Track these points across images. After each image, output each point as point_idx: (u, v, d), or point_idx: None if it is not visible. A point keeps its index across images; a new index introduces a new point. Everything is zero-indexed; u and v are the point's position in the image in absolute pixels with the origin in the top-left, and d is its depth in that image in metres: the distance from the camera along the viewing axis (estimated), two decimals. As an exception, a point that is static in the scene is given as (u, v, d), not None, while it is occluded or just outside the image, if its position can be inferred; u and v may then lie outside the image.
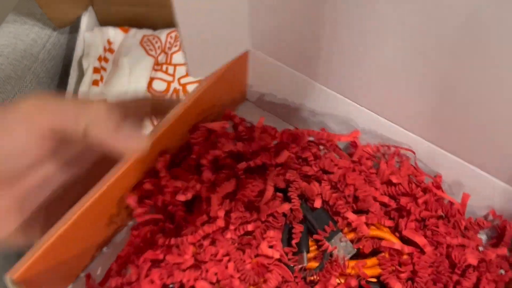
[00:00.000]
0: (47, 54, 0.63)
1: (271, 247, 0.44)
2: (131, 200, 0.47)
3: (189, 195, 0.46)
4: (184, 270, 0.43)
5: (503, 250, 0.46)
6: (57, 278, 0.46)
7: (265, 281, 0.42)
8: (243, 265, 0.43)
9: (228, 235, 0.44)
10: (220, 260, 0.43)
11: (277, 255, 0.43)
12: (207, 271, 0.43)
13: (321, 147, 0.50)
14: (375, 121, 0.50)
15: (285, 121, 0.59)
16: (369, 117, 0.50)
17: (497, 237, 0.50)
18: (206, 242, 0.44)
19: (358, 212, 0.48)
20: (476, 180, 0.49)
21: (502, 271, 0.46)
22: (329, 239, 0.45)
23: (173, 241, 0.44)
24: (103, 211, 0.46)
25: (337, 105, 0.51)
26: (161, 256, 0.44)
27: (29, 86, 0.59)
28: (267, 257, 0.43)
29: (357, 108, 0.50)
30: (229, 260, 0.43)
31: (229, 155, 0.49)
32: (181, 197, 0.46)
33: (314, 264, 0.45)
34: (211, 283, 0.43)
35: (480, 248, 0.48)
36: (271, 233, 0.44)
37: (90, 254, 0.48)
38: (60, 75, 0.67)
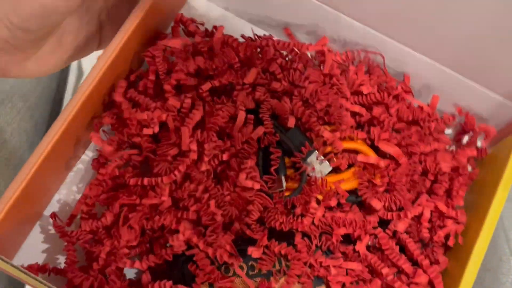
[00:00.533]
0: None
1: (250, 178, 0.42)
2: (96, 139, 0.43)
3: (156, 128, 0.43)
4: (162, 212, 0.41)
5: (473, 152, 0.47)
6: (21, 221, 0.43)
7: (247, 215, 0.42)
8: (223, 199, 0.42)
9: (203, 167, 0.42)
10: (200, 198, 0.41)
11: (257, 186, 0.42)
12: (187, 210, 0.41)
13: (289, 56, 0.47)
14: (341, 23, 0.47)
15: (239, 16, 0.54)
16: (335, 18, 0.47)
17: (462, 133, 0.50)
18: (180, 178, 0.42)
19: (329, 123, 0.46)
20: (443, 80, 0.48)
21: (470, 169, 0.48)
22: (305, 159, 0.44)
23: (146, 181, 0.42)
24: (62, 154, 0.43)
25: (301, 8, 0.47)
26: (137, 201, 0.41)
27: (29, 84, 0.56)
28: (246, 188, 0.42)
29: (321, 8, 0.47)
30: (209, 198, 0.41)
31: (190, 74, 0.45)
32: (148, 131, 0.43)
33: (293, 185, 0.44)
34: (192, 221, 0.41)
35: (449, 147, 0.49)
36: (248, 163, 0.42)
37: (53, 192, 0.46)
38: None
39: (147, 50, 0.45)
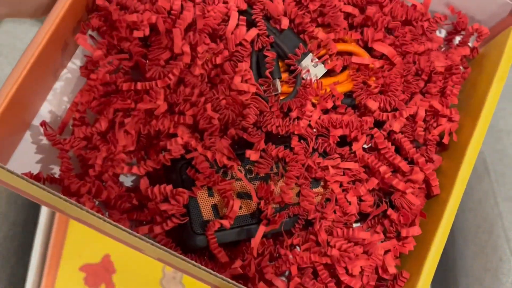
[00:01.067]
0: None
1: (245, 81, 0.42)
2: (82, 41, 0.41)
3: (146, 31, 0.41)
4: (158, 117, 0.40)
5: (466, 50, 0.47)
6: (8, 131, 0.42)
7: (243, 118, 0.41)
8: (219, 103, 0.41)
9: (197, 71, 0.41)
10: (196, 102, 0.41)
11: (253, 89, 0.41)
12: (183, 115, 0.41)
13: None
14: None
15: None
16: None
17: (454, 34, 0.50)
18: (175, 82, 0.41)
19: (323, 25, 0.46)
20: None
21: (462, 68, 0.48)
22: (299, 61, 0.43)
23: (140, 85, 0.40)
24: (50, 60, 0.41)
25: None
26: (132, 105, 0.40)
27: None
28: (242, 91, 0.41)
29: None
30: (205, 102, 0.41)
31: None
32: (138, 33, 0.41)
33: (288, 89, 0.44)
34: (189, 126, 0.41)
35: (441, 48, 0.49)
36: (243, 66, 0.41)
37: (41, 102, 0.44)
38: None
39: None
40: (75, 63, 0.46)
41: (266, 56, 0.43)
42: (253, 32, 0.42)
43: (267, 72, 0.42)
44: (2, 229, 0.56)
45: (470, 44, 0.49)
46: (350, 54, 0.45)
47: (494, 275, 0.48)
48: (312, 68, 0.44)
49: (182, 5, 0.42)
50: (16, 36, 0.58)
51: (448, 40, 0.50)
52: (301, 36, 0.44)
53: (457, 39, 0.50)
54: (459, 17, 0.48)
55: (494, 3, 0.47)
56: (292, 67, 0.43)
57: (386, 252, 0.40)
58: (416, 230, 0.40)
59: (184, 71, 0.41)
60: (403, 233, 0.40)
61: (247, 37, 0.42)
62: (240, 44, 0.42)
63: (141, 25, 0.41)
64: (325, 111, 0.44)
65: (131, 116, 0.40)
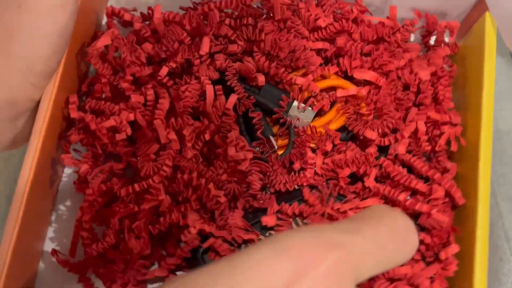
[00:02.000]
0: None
1: (240, 149, 0.41)
2: (67, 161, 0.41)
3: (128, 130, 0.41)
4: (165, 212, 0.39)
5: (445, 50, 0.46)
6: (24, 267, 0.41)
7: (249, 187, 0.40)
8: (220, 179, 0.40)
9: (189, 154, 0.40)
10: (198, 185, 0.40)
11: (250, 155, 0.40)
12: (189, 202, 0.39)
13: (235, 13, 0.45)
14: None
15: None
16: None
17: (427, 36, 0.49)
18: (170, 172, 0.40)
19: (297, 68, 0.45)
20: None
21: (447, 67, 0.47)
22: (286, 112, 0.43)
23: (137, 187, 0.39)
24: (43, 184, 0.40)
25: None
26: (135, 209, 0.39)
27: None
28: (239, 161, 0.40)
29: None
30: (206, 182, 0.40)
31: (142, 64, 0.43)
32: (121, 136, 0.40)
33: (283, 142, 0.43)
34: (197, 210, 0.40)
35: (420, 53, 0.48)
36: (233, 135, 0.40)
37: (46, 226, 0.44)
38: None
39: (87, 55, 0.42)
40: (68, 174, 0.45)
41: (253, 118, 0.42)
42: (233, 98, 0.41)
43: (258, 133, 0.41)
44: (2, 229, 0.55)
45: (446, 39, 0.48)
46: (333, 88, 0.44)
47: (494, 275, 0.47)
48: (301, 115, 0.43)
49: (155, 93, 0.42)
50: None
51: (424, 43, 0.49)
52: (280, 86, 0.44)
53: (432, 39, 0.49)
54: (427, 19, 0.48)
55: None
56: (281, 121, 0.43)
57: (432, 280, 0.39)
58: (454, 248, 0.39)
59: (176, 158, 0.40)
60: (442, 256, 0.39)
61: (228, 105, 0.41)
62: (224, 114, 0.41)
63: (121, 126, 0.40)
64: (326, 153, 0.43)
65: (138, 220, 0.39)
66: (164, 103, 0.41)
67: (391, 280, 0.38)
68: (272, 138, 0.42)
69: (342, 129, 0.44)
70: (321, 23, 0.44)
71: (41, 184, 0.40)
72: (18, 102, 0.34)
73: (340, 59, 0.44)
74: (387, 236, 0.25)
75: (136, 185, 0.40)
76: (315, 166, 0.41)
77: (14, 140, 0.37)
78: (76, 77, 0.43)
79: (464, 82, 0.45)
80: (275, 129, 0.43)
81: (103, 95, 0.43)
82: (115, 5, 0.46)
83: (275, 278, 0.21)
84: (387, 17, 0.47)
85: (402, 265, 0.38)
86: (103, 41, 0.42)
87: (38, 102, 0.37)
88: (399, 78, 0.44)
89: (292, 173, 0.41)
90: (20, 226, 0.36)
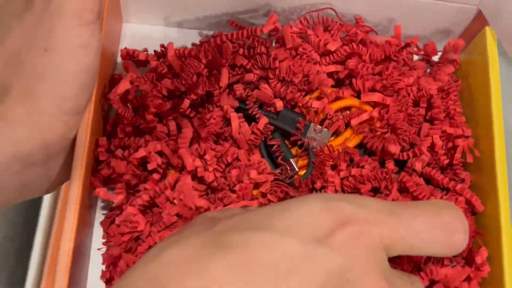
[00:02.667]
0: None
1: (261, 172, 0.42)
2: (103, 194, 0.42)
3: (158, 160, 0.42)
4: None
5: (450, 68, 0.48)
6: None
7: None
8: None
9: (210, 178, 0.41)
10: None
11: (270, 178, 0.42)
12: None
13: (247, 43, 0.46)
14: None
15: (181, 26, 0.53)
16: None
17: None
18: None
19: (312, 92, 0.46)
20: (397, 7, 0.49)
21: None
22: (304, 134, 0.44)
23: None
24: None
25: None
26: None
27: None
28: (260, 184, 0.42)
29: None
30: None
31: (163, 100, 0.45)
32: (152, 165, 0.42)
33: (303, 163, 0.44)
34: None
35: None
36: (254, 158, 0.42)
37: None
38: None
39: (108, 99, 0.43)
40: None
41: (273, 145, 0.43)
42: (264, 120, 0.43)
43: (279, 160, 0.43)
44: (2, 229, 0.55)
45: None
46: (348, 108, 0.46)
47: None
48: (318, 136, 0.44)
49: (177, 124, 0.43)
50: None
51: (426, 61, 0.51)
52: (297, 110, 0.45)
53: (436, 56, 0.51)
54: (425, 48, 0.50)
55: (457, 11, 0.48)
56: (299, 143, 0.44)
57: (468, 281, 0.40)
58: (484, 252, 0.40)
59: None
60: (478, 260, 0.40)
61: (259, 127, 0.43)
62: (250, 139, 0.43)
63: (150, 156, 0.41)
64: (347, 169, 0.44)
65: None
66: (188, 132, 0.42)
67: (432, 281, 0.39)
68: (292, 161, 0.43)
69: (359, 146, 0.45)
70: (331, 47, 0.46)
71: (84, 226, 0.41)
72: (51, 143, 0.34)
73: (353, 80, 0.46)
74: (424, 228, 0.28)
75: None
76: (335, 183, 0.43)
77: (47, 184, 0.37)
78: (101, 118, 0.44)
79: (470, 96, 0.47)
80: (294, 151, 0.45)
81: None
82: (128, 46, 0.48)
83: (319, 227, 0.25)
84: (392, 36, 0.49)
85: (443, 265, 0.40)
86: (123, 87, 0.43)
87: (71, 142, 0.38)
88: (408, 94, 0.46)
89: (314, 192, 0.43)
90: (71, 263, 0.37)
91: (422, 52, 0.50)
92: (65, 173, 0.38)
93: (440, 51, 0.51)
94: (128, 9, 0.51)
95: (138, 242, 0.42)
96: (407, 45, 0.49)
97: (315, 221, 0.26)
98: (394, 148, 0.43)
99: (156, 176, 0.42)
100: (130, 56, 0.47)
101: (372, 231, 0.26)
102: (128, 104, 0.44)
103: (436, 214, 0.28)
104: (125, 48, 0.47)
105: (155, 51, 0.48)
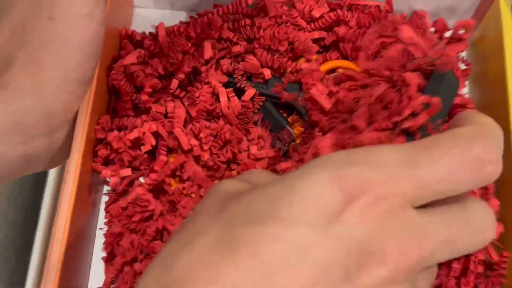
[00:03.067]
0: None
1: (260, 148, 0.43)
2: (105, 172, 0.42)
3: (152, 141, 0.42)
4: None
5: (459, 47, 0.46)
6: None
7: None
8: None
9: (205, 156, 0.42)
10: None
11: (271, 153, 0.42)
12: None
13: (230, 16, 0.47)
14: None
15: (185, 10, 0.53)
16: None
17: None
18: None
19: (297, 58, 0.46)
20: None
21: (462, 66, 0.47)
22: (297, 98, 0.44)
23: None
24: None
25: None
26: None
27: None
28: (260, 159, 0.42)
29: None
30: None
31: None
32: (146, 147, 0.42)
33: (300, 129, 0.44)
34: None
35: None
36: (254, 132, 0.42)
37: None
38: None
39: (110, 77, 0.44)
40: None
41: (267, 114, 0.44)
42: (250, 92, 0.43)
43: (280, 136, 0.44)
44: (2, 229, 0.55)
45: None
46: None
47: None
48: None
49: (172, 105, 0.44)
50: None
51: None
52: (286, 78, 0.45)
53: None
54: (435, 25, 0.49)
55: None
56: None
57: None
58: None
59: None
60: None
61: (245, 98, 0.43)
62: (240, 113, 0.43)
63: (145, 137, 0.42)
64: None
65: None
66: (181, 112, 0.42)
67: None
68: (288, 127, 0.43)
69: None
70: (316, 13, 0.46)
71: (84, 202, 0.42)
72: (56, 113, 0.34)
73: (340, 44, 0.46)
74: (451, 169, 0.24)
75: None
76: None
77: (51, 157, 0.37)
78: (104, 98, 0.45)
79: (484, 78, 0.46)
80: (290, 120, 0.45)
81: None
82: (138, 30, 0.48)
83: (329, 205, 0.23)
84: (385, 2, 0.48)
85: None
86: (129, 59, 0.44)
87: (75, 114, 0.38)
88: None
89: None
90: (66, 245, 0.37)
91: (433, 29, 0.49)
92: (68, 149, 0.39)
93: (451, 29, 0.49)
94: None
95: (147, 223, 0.42)
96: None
97: (324, 200, 0.23)
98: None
99: (163, 158, 0.42)
100: (129, 36, 0.48)
101: (391, 193, 0.23)
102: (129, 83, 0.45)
103: (463, 149, 0.24)
104: (124, 28, 0.47)
105: (150, 32, 0.48)
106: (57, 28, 0.32)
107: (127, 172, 0.43)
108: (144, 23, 0.51)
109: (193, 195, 0.41)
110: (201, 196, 0.41)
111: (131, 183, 0.44)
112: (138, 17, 0.53)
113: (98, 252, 0.44)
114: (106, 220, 0.43)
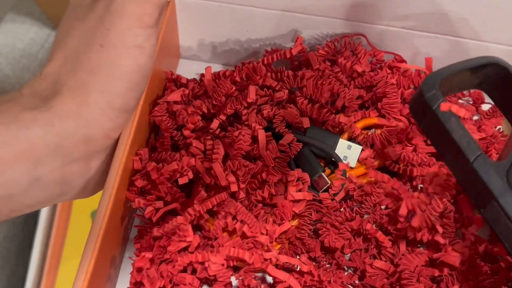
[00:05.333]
0: (46, 53, 0.60)
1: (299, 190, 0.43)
2: (137, 201, 0.42)
3: (190, 174, 0.42)
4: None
5: (498, 122, 0.47)
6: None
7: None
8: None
9: (242, 195, 0.42)
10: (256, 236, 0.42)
11: (309, 197, 0.43)
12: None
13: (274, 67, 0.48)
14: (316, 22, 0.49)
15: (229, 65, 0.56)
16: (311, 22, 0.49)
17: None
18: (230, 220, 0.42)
19: (337, 112, 0.47)
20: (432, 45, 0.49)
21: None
22: (334, 150, 0.45)
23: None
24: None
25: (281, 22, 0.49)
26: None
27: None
28: (297, 201, 0.43)
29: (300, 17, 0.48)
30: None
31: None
32: (183, 180, 0.42)
33: (335, 177, 0.45)
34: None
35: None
36: (294, 173, 0.43)
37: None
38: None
39: (152, 113, 0.45)
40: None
41: (303, 160, 0.45)
42: (289, 137, 0.44)
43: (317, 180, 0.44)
44: (2, 229, 0.55)
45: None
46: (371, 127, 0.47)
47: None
48: (348, 152, 0.45)
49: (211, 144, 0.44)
50: (16, 36, 0.58)
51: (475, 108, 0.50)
52: (324, 127, 0.46)
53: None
54: (471, 92, 0.50)
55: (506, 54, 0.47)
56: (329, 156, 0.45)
57: None
58: None
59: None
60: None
61: (283, 142, 0.44)
62: (277, 157, 0.44)
63: (183, 170, 0.42)
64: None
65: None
66: (220, 149, 0.43)
67: None
68: (323, 174, 0.44)
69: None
70: (358, 68, 0.47)
71: (115, 230, 0.42)
72: (95, 139, 0.35)
73: (379, 104, 0.47)
74: None
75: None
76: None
77: (85, 185, 0.37)
78: (144, 133, 0.45)
79: None
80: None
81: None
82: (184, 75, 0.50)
83: None
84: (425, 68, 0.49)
85: None
86: (173, 96, 0.45)
87: (113, 146, 0.38)
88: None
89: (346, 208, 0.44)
90: (92, 272, 0.37)
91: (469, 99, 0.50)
92: (102, 181, 0.39)
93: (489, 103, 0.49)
94: (184, 46, 0.55)
95: (179, 254, 0.42)
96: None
97: None
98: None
99: (203, 193, 0.42)
100: (174, 80, 0.49)
101: None
102: (171, 120, 0.46)
103: None
104: (171, 71, 0.49)
105: (194, 78, 0.50)
106: (107, 55, 0.34)
107: (161, 204, 0.43)
108: (188, 72, 0.53)
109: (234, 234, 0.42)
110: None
111: (162, 217, 0.44)
112: (182, 67, 0.56)
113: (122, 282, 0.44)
114: (135, 249, 0.43)
